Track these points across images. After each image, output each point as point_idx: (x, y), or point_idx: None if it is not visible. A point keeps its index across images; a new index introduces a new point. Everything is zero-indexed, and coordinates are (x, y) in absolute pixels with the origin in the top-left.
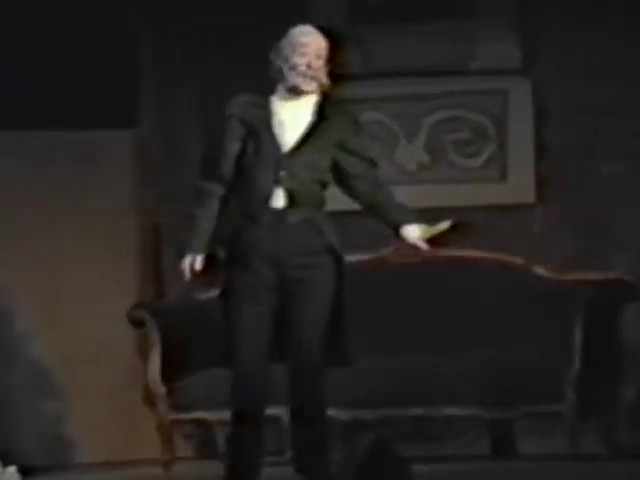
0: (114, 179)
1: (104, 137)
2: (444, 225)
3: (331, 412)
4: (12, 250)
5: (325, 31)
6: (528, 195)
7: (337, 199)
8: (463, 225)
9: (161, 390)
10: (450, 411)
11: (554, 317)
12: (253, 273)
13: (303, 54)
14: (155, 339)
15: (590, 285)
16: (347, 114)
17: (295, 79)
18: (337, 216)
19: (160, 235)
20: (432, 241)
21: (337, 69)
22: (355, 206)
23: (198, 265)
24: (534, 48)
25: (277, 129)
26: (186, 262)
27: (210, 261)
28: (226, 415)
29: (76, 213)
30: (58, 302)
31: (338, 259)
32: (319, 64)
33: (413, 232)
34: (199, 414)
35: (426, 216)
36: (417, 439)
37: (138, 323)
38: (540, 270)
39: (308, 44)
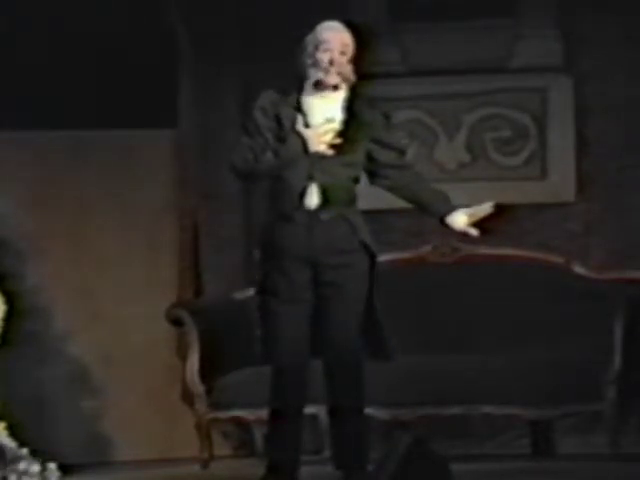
0: (153, 178)
1: (144, 136)
2: (487, 207)
3: (371, 411)
4: (52, 249)
5: (356, 28)
6: (569, 193)
7: (376, 197)
8: (503, 207)
9: (199, 389)
10: (489, 410)
11: (594, 316)
12: (288, 272)
13: (326, 50)
14: (194, 338)
15: (631, 284)
16: (376, 108)
17: (318, 74)
18: (376, 214)
19: (199, 234)
20: (477, 226)
21: (367, 66)
22: (394, 204)
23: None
24: (575, 45)
25: (308, 127)
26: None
27: None
28: (264, 413)
29: (115, 212)
30: (97, 301)
31: (372, 256)
32: (343, 60)
33: (460, 219)
34: (237, 412)
35: None
36: (457, 438)
37: (177, 322)
38: (580, 269)
39: (330, 40)
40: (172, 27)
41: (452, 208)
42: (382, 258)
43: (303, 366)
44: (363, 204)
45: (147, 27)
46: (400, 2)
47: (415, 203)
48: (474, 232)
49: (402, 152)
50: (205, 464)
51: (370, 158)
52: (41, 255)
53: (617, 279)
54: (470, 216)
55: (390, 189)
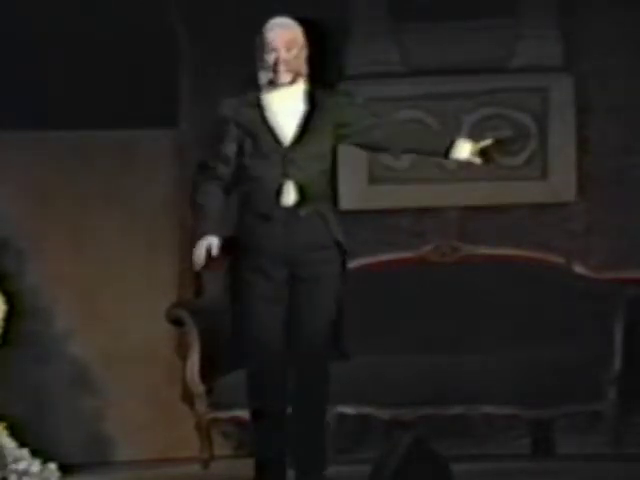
0: (153, 178)
1: (144, 136)
2: (489, 141)
3: (371, 411)
4: (52, 249)
5: (310, 23)
6: (569, 193)
7: (376, 197)
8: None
9: (200, 389)
10: (489, 410)
11: (595, 316)
12: (265, 272)
13: (271, 50)
14: (194, 338)
15: (631, 284)
16: (337, 93)
17: (268, 75)
18: (376, 214)
19: None
20: (481, 156)
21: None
22: (394, 204)
23: (215, 250)
24: (576, 45)
25: (273, 124)
26: (202, 246)
27: (225, 246)
28: None
29: (115, 212)
30: (97, 301)
31: (343, 253)
32: (289, 56)
33: (464, 149)
34: (238, 412)
35: (467, 215)
36: (457, 438)
37: (177, 322)
38: (581, 269)
39: (274, 39)
40: (172, 27)
41: (452, 140)
42: (383, 258)
43: (281, 366)
44: (363, 204)
45: (147, 27)
46: (400, 2)
47: (413, 152)
48: (478, 161)
49: (378, 114)
50: (205, 464)
51: (345, 136)
52: (41, 255)
53: (617, 279)
54: (474, 146)
55: (377, 149)
